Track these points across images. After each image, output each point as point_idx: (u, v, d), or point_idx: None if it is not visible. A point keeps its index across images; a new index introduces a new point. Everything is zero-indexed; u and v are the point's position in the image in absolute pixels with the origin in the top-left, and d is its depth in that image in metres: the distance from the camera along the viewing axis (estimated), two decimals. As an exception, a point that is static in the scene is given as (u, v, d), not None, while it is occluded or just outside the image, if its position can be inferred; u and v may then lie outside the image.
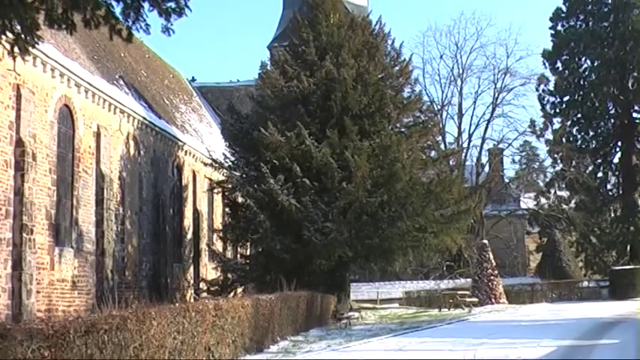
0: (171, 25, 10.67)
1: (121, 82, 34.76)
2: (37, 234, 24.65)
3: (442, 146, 52.24)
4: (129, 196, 33.34)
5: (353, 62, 35.43)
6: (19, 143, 24.10)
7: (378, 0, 62.07)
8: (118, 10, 10.52)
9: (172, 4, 10.47)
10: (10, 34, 10.48)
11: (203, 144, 42.05)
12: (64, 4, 10.24)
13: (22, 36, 10.53)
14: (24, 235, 23.67)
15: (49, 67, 26.34)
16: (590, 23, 56.27)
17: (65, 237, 27.35)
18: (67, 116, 28.09)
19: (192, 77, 58.10)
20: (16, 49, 10.83)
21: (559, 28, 57.33)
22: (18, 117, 24.21)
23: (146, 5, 10.44)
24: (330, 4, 38.08)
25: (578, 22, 57.02)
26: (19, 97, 24.31)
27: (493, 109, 64.40)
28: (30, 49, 11.16)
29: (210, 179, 41.07)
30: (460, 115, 65.38)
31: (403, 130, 37.77)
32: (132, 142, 33.85)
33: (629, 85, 54.84)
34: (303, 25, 37.49)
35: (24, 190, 23.88)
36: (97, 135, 30.11)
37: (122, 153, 32.77)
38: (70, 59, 28.02)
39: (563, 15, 57.22)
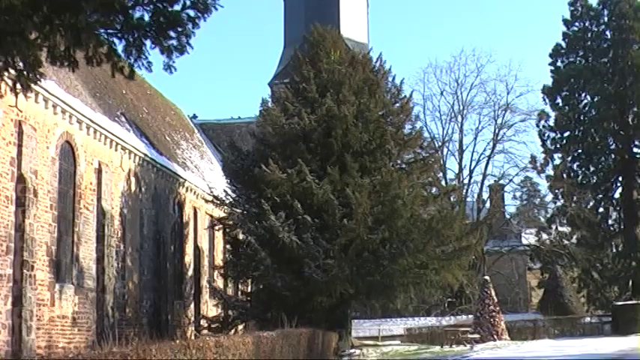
0: (173, 62, 10.74)
1: (123, 119, 34.86)
2: (37, 270, 24.59)
3: (443, 183, 52.27)
4: (130, 232, 33.31)
5: (354, 99, 35.52)
6: (21, 179, 24.12)
7: (378, 37, 62.45)
8: (120, 47, 10.58)
9: (174, 42, 10.53)
10: (12, 71, 10.54)
11: (204, 181, 42.08)
12: (67, 41, 10.30)
13: (25, 73, 10.59)
14: (24, 271, 23.62)
15: (51, 103, 26.43)
16: (590, 59, 56.55)
17: (66, 273, 27.30)
18: (68, 152, 28.14)
19: (194, 114, 58.29)
20: (18, 86, 10.88)
21: (559, 64, 57.61)
22: (19, 153, 24.25)
23: (148, 43, 10.51)
24: (331, 41, 38.29)
25: (578, 58, 57.30)
26: (20, 133, 24.37)
27: (494, 146, 64.53)
28: (32, 85, 11.20)
29: (211, 216, 41.03)
30: (461, 151, 65.47)
31: (404, 166, 37.77)
32: (133, 179, 33.88)
33: (629, 120, 55.00)
34: (303, 63, 37.63)
35: (25, 226, 23.87)
36: (99, 171, 30.15)
37: (123, 189, 32.79)
38: (72, 96, 28.12)
39: (562, 51, 57.52)
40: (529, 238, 66.43)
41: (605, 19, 56.77)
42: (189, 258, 40.30)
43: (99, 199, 29.98)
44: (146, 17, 10.34)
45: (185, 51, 10.65)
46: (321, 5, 58.30)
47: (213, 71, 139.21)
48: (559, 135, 57.74)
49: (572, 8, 57.64)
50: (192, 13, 10.38)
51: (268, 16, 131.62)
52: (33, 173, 24.75)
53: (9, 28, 9.86)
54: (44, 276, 25.44)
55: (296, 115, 35.29)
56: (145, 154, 34.79)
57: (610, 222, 58.42)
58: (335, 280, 32.41)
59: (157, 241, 35.86)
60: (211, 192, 38.13)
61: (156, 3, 10.26)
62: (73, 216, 28.10)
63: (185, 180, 39.69)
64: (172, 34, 10.40)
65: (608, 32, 56.69)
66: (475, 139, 67.17)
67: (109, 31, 10.42)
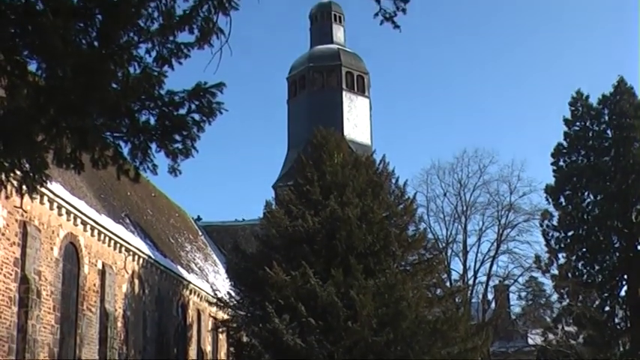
0: (178, 165, 10.82)
1: (127, 221, 34.98)
2: (39, 373, 24.41)
3: (448, 284, 52.01)
4: (133, 335, 33.08)
5: (357, 201, 35.61)
6: (24, 280, 24.12)
7: (381, 139, 62.90)
8: (125, 150, 10.69)
9: (179, 145, 10.63)
10: (18, 172, 10.65)
11: (208, 283, 41.98)
12: (73, 143, 10.42)
13: (31, 174, 10.69)
14: (26, 373, 23.44)
15: (56, 204, 26.60)
16: (592, 158, 56.82)
17: (67, 376, 27.06)
18: (72, 254, 28.20)
19: (198, 216, 58.50)
20: (24, 188, 10.97)
21: (561, 163, 57.88)
22: (23, 254, 24.32)
23: (153, 146, 10.61)
24: (334, 143, 38.58)
25: (580, 157, 57.59)
26: (25, 234, 24.47)
27: (498, 246, 64.19)
28: (38, 187, 11.30)
29: (214, 318, 40.81)
30: (465, 252, 65.09)
31: (408, 268, 37.64)
32: (137, 281, 33.83)
33: (633, 218, 54.97)
34: (307, 165, 37.86)
35: (27, 327, 23.78)
36: (102, 273, 30.14)
37: (127, 291, 32.71)
38: (77, 197, 28.30)
39: (564, 150, 57.85)
40: (535, 338, 65.72)
41: (606, 117, 57.24)
42: (192, 361, 39.94)
43: (102, 300, 29.89)
44: (152, 121, 10.48)
45: (190, 154, 10.75)
46: (324, 108, 58.93)
47: (217, 174, 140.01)
48: (563, 234, 57.64)
49: (572, 108, 58.18)
50: (197, 116, 10.51)
51: (272, 120, 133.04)
52: (36, 274, 24.76)
53: (16, 130, 10.00)
54: (46, 379, 25.22)
55: (300, 218, 35.36)
56: (149, 256, 34.81)
57: (616, 320, 57.86)
58: (340, 383, 32.04)
59: (160, 344, 35.58)
60: (215, 294, 38.02)
61: (161, 107, 10.41)
62: (76, 317, 28.00)
63: (189, 282, 39.59)
64: (178, 137, 10.52)
65: (609, 131, 57.10)
66: (479, 239, 66.77)
67: (115, 134, 10.54)
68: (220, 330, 39.90)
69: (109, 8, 9.73)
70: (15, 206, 23.70)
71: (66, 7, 9.57)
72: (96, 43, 9.89)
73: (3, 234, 23.60)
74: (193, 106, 10.53)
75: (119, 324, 31.39)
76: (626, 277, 56.08)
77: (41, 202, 25.62)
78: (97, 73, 9.68)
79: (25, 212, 24.62)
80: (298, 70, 63.06)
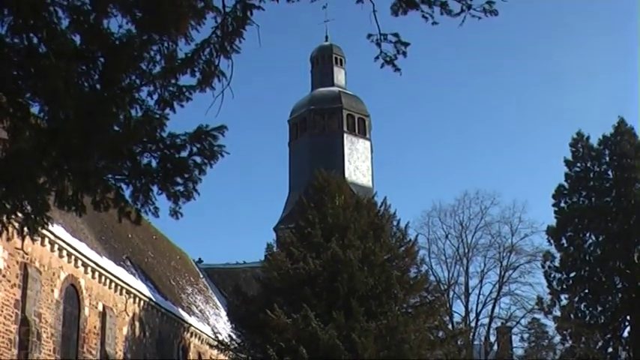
0: (180, 208, 10.83)
1: (128, 263, 34.94)
2: (38, 417, 24.24)
3: (450, 326, 51.78)
4: (133, 378, 32.92)
5: (359, 243, 35.57)
6: (24, 322, 24.06)
7: (382, 181, 62.76)
8: (127, 193, 10.70)
9: (180, 188, 10.65)
10: (20, 214, 10.66)
11: (209, 325, 41.83)
12: (74, 186, 10.43)
13: (32, 216, 10.70)
14: (25, 417, 23.29)
15: (57, 247, 26.59)
16: (593, 199, 56.84)
17: (67, 420, 26.88)
18: (73, 296, 28.15)
19: (199, 259, 58.38)
20: (25, 229, 10.98)
21: (562, 204, 57.86)
22: (24, 295, 24.28)
23: (155, 189, 10.63)
24: (336, 186, 38.62)
25: (581, 198, 57.58)
26: (25, 276, 24.44)
27: (500, 288, 63.94)
28: (39, 229, 11.30)
29: (216, 361, 40.60)
30: (467, 294, 64.81)
31: (410, 310, 37.49)
32: (137, 323, 33.71)
33: (635, 258, 54.83)
34: (308, 208, 37.87)
35: (27, 370, 23.68)
36: (103, 315, 30.04)
37: (127, 334, 32.58)
38: (78, 239, 28.30)
39: (565, 192, 57.86)
40: (539, 380, 65.30)
41: (607, 158, 57.34)
42: (193, 404, 39.69)
43: (102, 343, 29.77)
44: (153, 163, 10.50)
45: (191, 197, 10.76)
46: (325, 151, 58.99)
47: (218, 216, 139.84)
48: (565, 275, 57.47)
49: (573, 149, 58.32)
50: (198, 159, 10.54)
51: (273, 162, 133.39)
52: (37, 316, 24.70)
53: (18, 172, 10.02)
54: (45, 423, 25.04)
55: (301, 260, 35.29)
56: (150, 299, 34.72)
57: (620, 361, 57.61)
58: None
59: (161, 387, 35.40)
60: (216, 337, 37.87)
61: (163, 149, 10.44)
62: (77, 360, 27.88)
63: (190, 325, 39.44)
64: (179, 180, 10.54)
65: (610, 172, 57.17)
66: (481, 281, 66.47)
67: (116, 176, 10.56)
68: (221, 373, 39.71)
69: (112, 51, 9.79)
70: (16, 248, 23.69)
71: (68, 49, 9.64)
72: (98, 86, 9.94)
73: (4, 275, 23.57)
74: (195, 149, 10.56)
75: (120, 367, 31.27)
76: (628, 317, 55.83)
77: (42, 244, 25.61)
78: (98, 115, 9.72)
79: (26, 254, 24.60)
80: (299, 113, 63.19)
